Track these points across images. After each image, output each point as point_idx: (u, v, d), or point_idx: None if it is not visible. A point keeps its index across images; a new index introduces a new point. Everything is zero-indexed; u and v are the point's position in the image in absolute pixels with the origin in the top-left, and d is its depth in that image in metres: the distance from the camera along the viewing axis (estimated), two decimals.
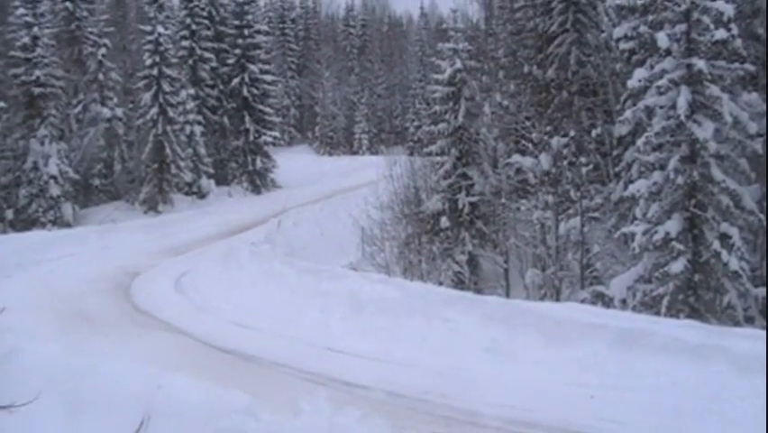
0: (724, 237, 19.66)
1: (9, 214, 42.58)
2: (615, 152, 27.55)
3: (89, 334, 16.32)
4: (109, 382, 10.94)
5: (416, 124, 62.97)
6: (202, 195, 51.19)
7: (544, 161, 26.25)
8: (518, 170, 28.10)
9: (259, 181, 56.52)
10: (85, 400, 10.61)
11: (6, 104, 43.45)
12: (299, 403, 9.95)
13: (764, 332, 12.34)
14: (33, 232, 37.51)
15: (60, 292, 22.59)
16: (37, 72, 44.90)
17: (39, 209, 43.78)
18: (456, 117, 28.91)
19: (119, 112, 49.54)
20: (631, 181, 22.54)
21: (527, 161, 27.46)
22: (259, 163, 56.54)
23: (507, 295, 24.56)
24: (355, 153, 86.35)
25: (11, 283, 23.22)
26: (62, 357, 12.04)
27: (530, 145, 27.45)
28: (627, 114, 21.71)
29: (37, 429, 9.40)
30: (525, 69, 31.92)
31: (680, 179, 19.60)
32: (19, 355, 12.21)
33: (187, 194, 50.12)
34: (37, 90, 44.97)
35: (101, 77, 49.32)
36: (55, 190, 44.05)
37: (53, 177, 44.01)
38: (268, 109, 58.58)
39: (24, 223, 42.47)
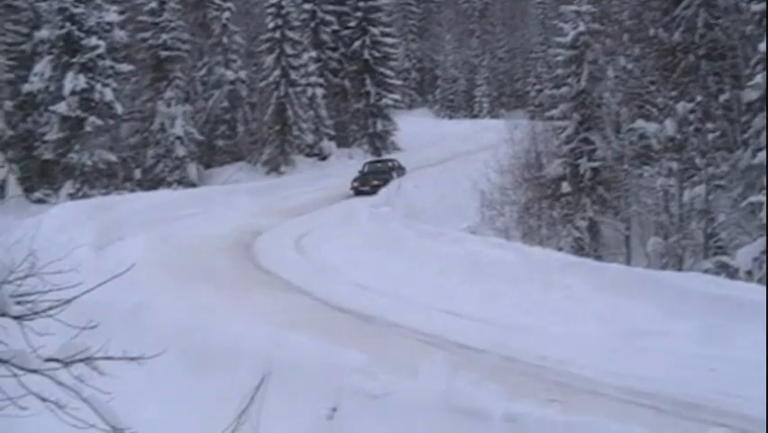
0: None
1: (137, 173, 43.78)
2: (743, 119, 26.69)
3: (212, 291, 16.69)
4: (231, 339, 11.24)
5: (537, 87, 62.03)
6: (323, 157, 51.72)
7: (669, 126, 25.60)
8: (642, 136, 27.47)
9: (379, 144, 56.76)
10: (207, 355, 10.93)
11: (135, 67, 44.54)
12: (416, 365, 10.04)
13: None
14: (160, 191, 38.51)
15: (185, 250, 23.18)
16: (164, 36, 45.93)
17: (165, 169, 44.96)
18: (579, 81, 28.46)
19: (242, 74, 50.30)
20: (760, 149, 21.88)
21: (651, 127, 26.82)
22: (379, 126, 56.77)
23: (628, 263, 24.15)
24: (475, 117, 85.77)
25: (139, 240, 23.86)
26: (186, 313, 12.40)
27: (654, 110, 26.81)
28: (758, 78, 21.04)
29: (163, 381, 9.72)
30: (651, 32, 31.07)
31: None
32: (146, 310, 12.64)
33: (308, 156, 50.71)
34: (164, 54, 46.03)
35: (225, 40, 50.09)
36: (180, 151, 45.13)
37: (179, 138, 45.09)
38: (389, 72, 58.66)
39: (151, 182, 43.65)
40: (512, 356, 12.36)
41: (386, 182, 37.40)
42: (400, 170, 41.74)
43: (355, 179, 39.37)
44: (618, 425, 8.07)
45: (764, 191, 20.60)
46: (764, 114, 22.05)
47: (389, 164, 43.12)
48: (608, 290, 15.11)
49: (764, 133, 22.32)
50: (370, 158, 44.21)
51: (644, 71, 29.26)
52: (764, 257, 20.46)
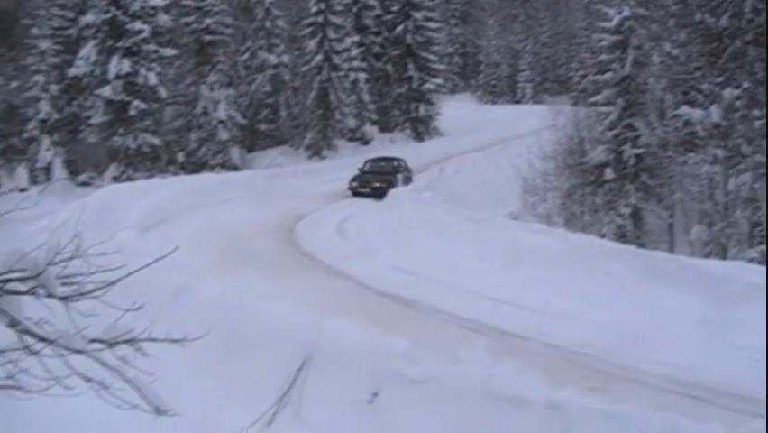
0: None
1: (180, 157, 44.13)
2: None
3: (254, 274, 16.73)
4: (272, 322, 11.27)
5: (580, 73, 61.66)
6: (365, 141, 51.80)
7: (715, 113, 25.31)
8: (686, 122, 27.18)
9: (421, 128, 56.69)
10: (250, 338, 10.97)
11: (178, 51, 44.82)
12: (457, 351, 10.02)
13: None
14: (203, 174, 38.75)
15: (227, 233, 23.27)
16: (207, 20, 46.17)
17: (208, 153, 45.27)
18: (623, 67, 28.21)
19: (285, 59, 50.46)
20: None
21: (696, 113, 26.55)
22: (422, 110, 56.69)
23: (671, 251, 23.97)
24: (518, 102, 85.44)
25: (181, 223, 24.05)
26: (228, 295, 12.45)
27: (700, 96, 26.52)
28: None
29: (205, 363, 9.78)
30: (697, 17, 30.68)
31: None
32: (189, 292, 12.72)
33: (350, 140, 50.83)
34: (207, 38, 46.28)
35: (268, 24, 50.23)
36: (223, 135, 45.41)
37: (222, 122, 45.36)
38: (431, 56, 58.49)
39: (194, 165, 43.98)
40: (554, 343, 12.31)
41: (390, 185, 32.57)
42: (407, 173, 36.24)
43: (354, 178, 34.60)
44: (660, 414, 8.00)
45: None
46: None
47: (395, 164, 36.93)
48: (651, 278, 15.01)
49: None
50: (375, 155, 41.59)
51: (690, 57, 28.91)
52: None
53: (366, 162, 36.81)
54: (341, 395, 9.77)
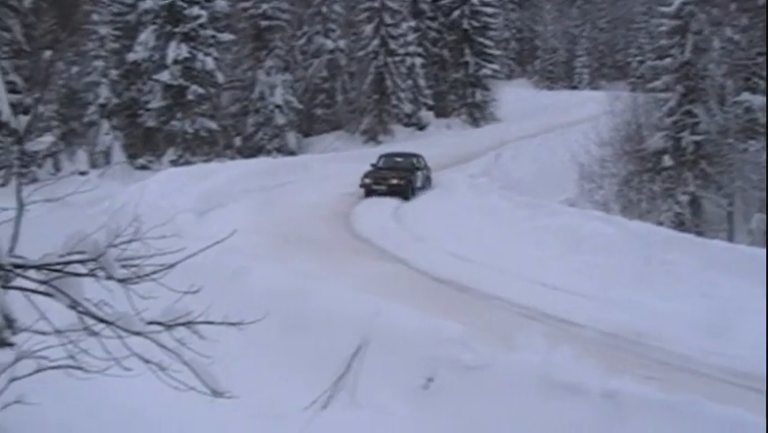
0: None
1: (237, 141, 44.48)
2: None
3: (309, 258, 16.75)
4: (328, 306, 11.32)
5: (638, 59, 60.98)
6: (421, 126, 51.75)
7: None
8: (747, 109, 26.80)
9: (478, 114, 56.50)
10: (305, 321, 11.03)
11: (235, 36, 45.08)
12: (514, 337, 9.99)
13: None
14: (259, 159, 38.96)
15: (283, 217, 23.38)
16: (264, 6, 46.38)
17: (264, 137, 45.55)
18: (683, 52, 27.85)
19: (341, 44, 50.54)
20: None
21: (758, 100, 26.16)
22: (478, 96, 56.49)
23: (731, 240, 23.66)
24: (575, 88, 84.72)
25: (238, 207, 24.19)
26: (285, 278, 12.52)
27: (761, 83, 26.10)
28: None
29: (261, 346, 9.85)
30: (759, 1, 30.21)
31: None
32: (246, 275, 12.82)
33: (406, 125, 50.80)
34: (264, 23, 46.50)
35: (324, 9, 50.33)
36: (280, 119, 45.64)
37: (278, 106, 45.59)
38: (488, 42, 58.19)
39: (251, 150, 44.29)
40: (610, 331, 12.21)
41: (409, 184, 28.83)
42: (426, 171, 31.57)
43: (367, 174, 29.42)
44: (721, 407, 7.90)
45: None
46: None
47: (413, 161, 31.50)
48: (710, 267, 14.84)
49: None
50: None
51: (752, 42, 28.46)
52: None
53: (380, 157, 31.86)
54: (396, 380, 9.82)
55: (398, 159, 31.95)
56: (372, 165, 30.62)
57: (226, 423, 8.25)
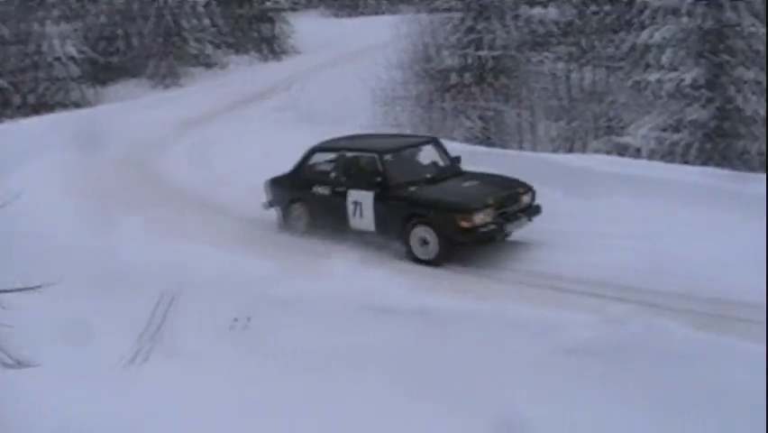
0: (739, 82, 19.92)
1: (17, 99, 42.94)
2: None
3: (113, 211, 16.15)
4: (134, 260, 11.42)
5: None
6: (222, 66, 51.07)
7: (552, 11, 26.09)
8: (540, 22, 27.64)
9: (277, 47, 55.93)
10: (110, 278, 11.02)
11: None
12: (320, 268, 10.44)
13: None
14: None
15: (78, 174, 22.40)
16: None
17: (47, 92, 44.09)
18: None
19: None
20: (643, 28, 22.60)
21: (537, 11, 27.15)
22: (275, 30, 55.84)
23: (521, 148, 24.69)
24: (377, 14, 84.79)
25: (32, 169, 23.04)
26: (85, 239, 12.44)
27: None
28: None
29: (64, 310, 9.60)
30: None
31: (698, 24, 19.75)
32: (43, 238, 12.67)
33: (208, 66, 50.02)
34: None
35: None
36: (62, 72, 44.22)
37: (58, 58, 44.09)
38: None
39: (33, 107, 42.48)
40: None
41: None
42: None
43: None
44: None
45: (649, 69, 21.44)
46: None
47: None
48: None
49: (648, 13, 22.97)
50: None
51: None
52: (663, 135, 21.29)
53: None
54: (213, 323, 10.07)
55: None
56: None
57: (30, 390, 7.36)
